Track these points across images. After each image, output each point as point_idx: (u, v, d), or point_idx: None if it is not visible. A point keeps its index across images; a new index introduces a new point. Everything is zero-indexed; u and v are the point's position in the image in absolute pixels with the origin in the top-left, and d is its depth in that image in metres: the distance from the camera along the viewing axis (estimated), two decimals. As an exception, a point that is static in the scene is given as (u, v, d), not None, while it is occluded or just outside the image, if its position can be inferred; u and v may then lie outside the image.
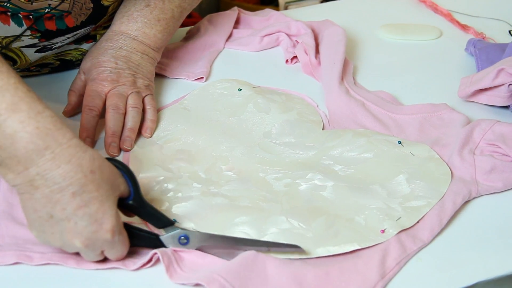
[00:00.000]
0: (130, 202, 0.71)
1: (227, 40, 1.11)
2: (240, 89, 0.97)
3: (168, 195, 0.80)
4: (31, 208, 0.66)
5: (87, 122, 0.88)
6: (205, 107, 0.95)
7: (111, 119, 0.87)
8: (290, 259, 0.73)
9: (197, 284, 0.69)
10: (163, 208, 0.78)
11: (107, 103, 0.89)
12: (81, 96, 0.91)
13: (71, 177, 0.64)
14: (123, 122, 0.89)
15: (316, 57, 1.04)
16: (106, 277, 0.71)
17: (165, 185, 0.81)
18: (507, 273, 0.75)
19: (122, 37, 0.94)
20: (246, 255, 0.71)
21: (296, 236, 0.75)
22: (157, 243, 0.72)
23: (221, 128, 0.92)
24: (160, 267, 0.71)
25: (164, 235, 0.73)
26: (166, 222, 0.73)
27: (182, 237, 0.72)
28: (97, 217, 0.66)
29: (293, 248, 0.73)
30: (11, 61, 0.92)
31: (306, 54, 1.04)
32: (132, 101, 0.90)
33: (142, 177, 0.82)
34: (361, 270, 0.73)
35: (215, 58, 1.08)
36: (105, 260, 0.71)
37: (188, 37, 1.11)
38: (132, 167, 0.84)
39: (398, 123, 0.94)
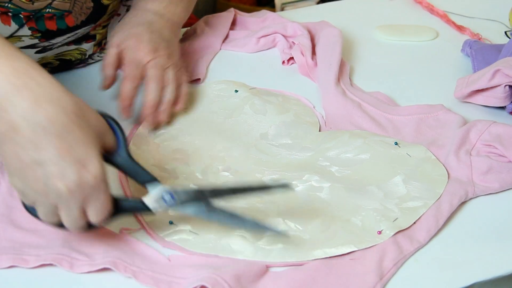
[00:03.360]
0: (116, 155, 0.69)
1: (223, 42, 1.11)
2: (236, 91, 0.97)
3: (165, 197, 0.80)
4: (13, 156, 0.62)
5: (129, 91, 0.88)
6: (201, 108, 0.95)
7: (152, 91, 0.87)
8: (290, 267, 0.73)
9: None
10: (159, 211, 0.78)
11: (149, 74, 0.89)
12: (117, 69, 0.91)
13: (55, 119, 0.62)
14: (161, 95, 0.89)
15: (312, 58, 1.04)
16: (103, 283, 0.71)
17: (162, 186, 0.82)
18: (504, 273, 0.75)
19: (150, 13, 0.94)
20: (251, 263, 0.72)
21: (293, 238, 0.75)
22: (141, 207, 0.70)
23: (217, 129, 0.92)
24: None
25: (147, 197, 0.70)
26: (151, 178, 0.71)
27: (167, 195, 0.71)
28: (82, 160, 0.63)
29: (281, 187, 0.73)
30: None
31: (303, 55, 1.04)
32: (171, 74, 0.90)
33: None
34: (359, 272, 0.73)
35: (211, 60, 1.08)
36: (97, 262, 0.71)
37: (185, 38, 1.11)
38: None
39: (395, 124, 0.94)
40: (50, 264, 0.71)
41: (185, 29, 1.13)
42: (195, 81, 1.02)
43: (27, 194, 0.65)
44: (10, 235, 0.74)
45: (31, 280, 0.70)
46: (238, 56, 1.09)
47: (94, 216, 0.66)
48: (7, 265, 0.71)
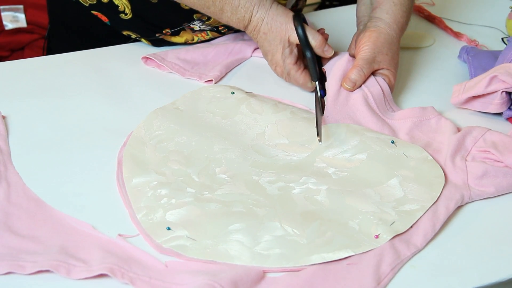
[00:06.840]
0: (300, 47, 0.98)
1: (256, 49, 1.10)
2: (233, 92, 0.98)
3: (162, 201, 0.80)
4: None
5: None
6: (197, 108, 0.95)
7: None
8: (287, 273, 0.73)
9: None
10: (156, 215, 0.79)
11: None
12: None
13: (255, 38, 1.00)
14: None
15: None
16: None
17: (159, 190, 0.81)
18: (501, 279, 0.75)
19: None
20: (248, 268, 0.72)
21: (291, 243, 0.75)
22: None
23: (214, 130, 0.91)
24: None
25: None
26: (319, 76, 0.96)
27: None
28: (272, 63, 1.00)
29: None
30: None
31: None
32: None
33: (136, 182, 0.82)
34: (356, 277, 0.73)
35: (236, 65, 1.07)
36: (94, 268, 0.71)
37: (214, 41, 1.11)
38: (125, 170, 0.84)
39: (391, 128, 0.94)
40: (47, 271, 0.71)
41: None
42: (208, 81, 1.02)
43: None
44: (6, 241, 0.74)
45: (28, 287, 0.70)
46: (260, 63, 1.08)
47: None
48: (3, 271, 0.71)
